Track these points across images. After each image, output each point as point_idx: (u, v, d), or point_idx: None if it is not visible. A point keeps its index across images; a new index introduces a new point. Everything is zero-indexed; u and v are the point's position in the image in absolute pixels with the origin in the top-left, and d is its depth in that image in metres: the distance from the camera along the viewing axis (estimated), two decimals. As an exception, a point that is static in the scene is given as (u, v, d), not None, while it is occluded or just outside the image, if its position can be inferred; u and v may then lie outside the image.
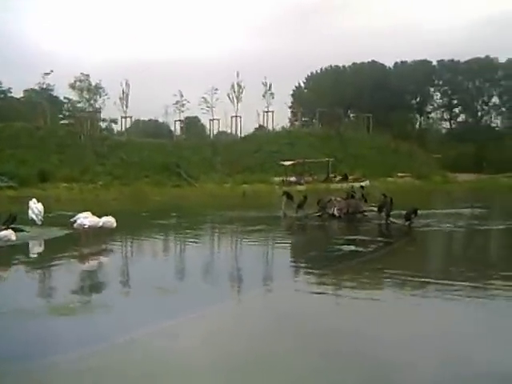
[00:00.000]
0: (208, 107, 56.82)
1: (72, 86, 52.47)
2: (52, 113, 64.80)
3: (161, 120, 72.09)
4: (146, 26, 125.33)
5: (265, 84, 56.89)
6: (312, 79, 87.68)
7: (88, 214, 15.84)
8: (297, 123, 69.71)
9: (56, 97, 72.37)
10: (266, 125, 57.90)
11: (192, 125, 69.03)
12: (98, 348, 6.63)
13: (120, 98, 51.48)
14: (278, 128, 59.27)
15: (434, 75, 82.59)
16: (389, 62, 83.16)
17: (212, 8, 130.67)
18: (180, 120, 60.69)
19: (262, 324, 7.82)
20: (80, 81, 51.96)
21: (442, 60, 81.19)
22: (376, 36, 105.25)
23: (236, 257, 14.93)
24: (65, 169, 42.52)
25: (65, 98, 68.92)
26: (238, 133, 56.57)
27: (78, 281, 10.85)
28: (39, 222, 17.97)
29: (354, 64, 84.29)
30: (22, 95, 75.41)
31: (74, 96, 55.08)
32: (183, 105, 56.99)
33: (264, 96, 56.29)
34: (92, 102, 52.01)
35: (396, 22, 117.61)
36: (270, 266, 13.22)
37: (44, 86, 62.20)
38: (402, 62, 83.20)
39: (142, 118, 73.43)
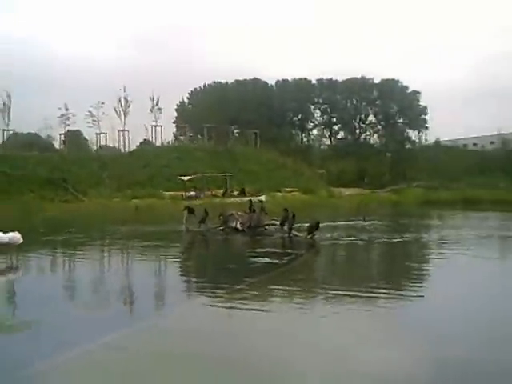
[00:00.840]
0: (94, 121, 55.74)
1: None
2: None
3: (40, 133, 69.41)
4: (25, 33, 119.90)
5: (152, 98, 56.71)
6: (196, 95, 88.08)
7: (-7, 229, 15.09)
8: (182, 138, 69.90)
9: None
10: (153, 139, 57.63)
11: (75, 138, 67.15)
12: None
13: (1, 111, 49.25)
14: (165, 143, 59.25)
15: (313, 94, 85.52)
16: (271, 80, 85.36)
17: (97, 16, 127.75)
18: (63, 133, 58.97)
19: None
20: None
21: (321, 79, 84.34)
22: (258, 53, 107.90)
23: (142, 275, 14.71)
24: None
25: None
26: (125, 147, 55.87)
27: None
28: None
29: (236, 81, 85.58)
30: None
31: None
32: (68, 118, 55.41)
33: (151, 110, 56.07)
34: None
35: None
36: (177, 281, 13.01)
37: None
38: (283, 80, 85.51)
39: (20, 131, 70.46)
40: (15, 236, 15.14)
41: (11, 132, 53.69)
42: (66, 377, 6.43)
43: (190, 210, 23.29)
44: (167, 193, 43.77)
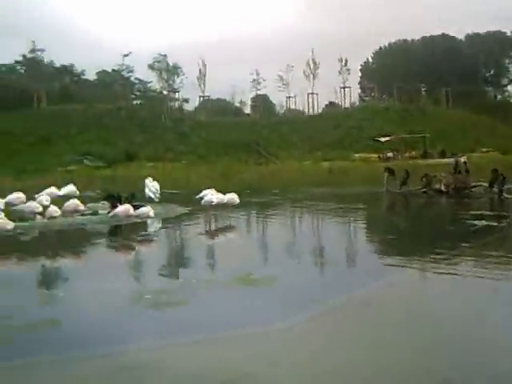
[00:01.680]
0: (284, 84, 57.02)
1: (151, 67, 53.35)
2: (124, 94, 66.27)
3: (231, 99, 72.50)
4: (220, 4, 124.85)
5: (340, 60, 56.57)
6: (380, 54, 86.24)
7: (213, 190, 16.21)
8: (367, 98, 69.16)
9: (127, 78, 73.75)
10: (340, 101, 57.61)
11: (263, 102, 69.21)
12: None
13: (197, 78, 52.24)
14: (352, 104, 59.01)
15: (508, 47, 79.86)
16: (460, 34, 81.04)
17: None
18: (253, 98, 61.22)
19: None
20: (158, 61, 52.73)
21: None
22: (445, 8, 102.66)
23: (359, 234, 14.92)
24: (149, 148, 43.44)
25: (136, 78, 70.01)
26: (311, 110, 56.42)
27: (234, 255, 11.12)
28: (156, 200, 18.46)
29: (423, 38, 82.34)
30: (95, 77, 77.22)
31: (153, 77, 55.96)
32: (259, 83, 57.28)
33: (340, 72, 55.99)
34: (170, 82, 52.68)
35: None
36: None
37: (124, 68, 63.35)
38: (474, 33, 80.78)
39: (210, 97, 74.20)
40: (232, 197, 16.15)
41: (206, 98, 56.49)
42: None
43: (391, 172, 23.07)
44: (357, 155, 43.67)
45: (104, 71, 76.26)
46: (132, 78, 70.39)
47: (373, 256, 10.98)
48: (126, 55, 62.11)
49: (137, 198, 17.98)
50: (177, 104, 67.04)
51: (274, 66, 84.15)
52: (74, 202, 14.05)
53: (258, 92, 59.47)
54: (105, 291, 8.22)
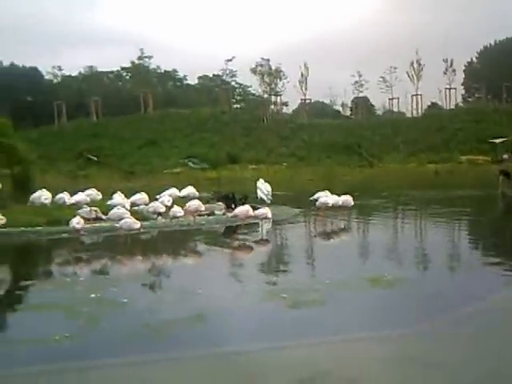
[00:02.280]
0: (387, 86, 56.33)
1: (253, 71, 54.01)
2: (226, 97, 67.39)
3: (330, 101, 72.16)
4: (320, 7, 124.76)
5: (445, 60, 55.21)
6: (486, 53, 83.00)
7: (327, 192, 16.20)
8: (470, 99, 66.98)
9: (228, 82, 75.09)
10: (444, 102, 56.03)
11: (363, 104, 68.45)
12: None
13: (299, 81, 52.37)
14: (455, 105, 57.22)
15: None
16: None
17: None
18: (353, 100, 60.81)
19: None
20: (261, 65, 53.34)
21: None
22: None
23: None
24: (251, 151, 44.00)
25: (236, 83, 71.09)
26: (416, 111, 55.13)
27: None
28: (268, 201, 18.60)
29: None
30: (196, 82, 79.20)
31: (255, 80, 56.70)
32: (361, 85, 56.82)
33: (445, 72, 54.62)
34: (272, 85, 53.13)
35: None
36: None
37: (227, 72, 64.71)
38: None
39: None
40: (347, 199, 16.08)
41: (306, 101, 56.44)
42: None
43: (506, 174, 22.25)
44: (464, 157, 42.25)
45: (205, 76, 78.17)
46: (232, 83, 71.78)
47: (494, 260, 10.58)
48: (229, 60, 63.36)
49: (249, 199, 18.37)
50: (276, 108, 67.87)
51: (375, 67, 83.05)
52: (196, 203, 14.42)
53: (361, 94, 58.78)
54: (238, 289, 8.42)
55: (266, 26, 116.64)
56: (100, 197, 15.27)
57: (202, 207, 14.64)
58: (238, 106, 68.40)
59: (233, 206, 17.47)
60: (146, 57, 62.21)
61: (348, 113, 68.81)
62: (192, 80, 77.66)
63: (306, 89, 52.97)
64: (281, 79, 53.30)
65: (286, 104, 65.29)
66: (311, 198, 16.36)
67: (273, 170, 39.28)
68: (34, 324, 6.97)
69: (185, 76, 77.57)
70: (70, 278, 9.58)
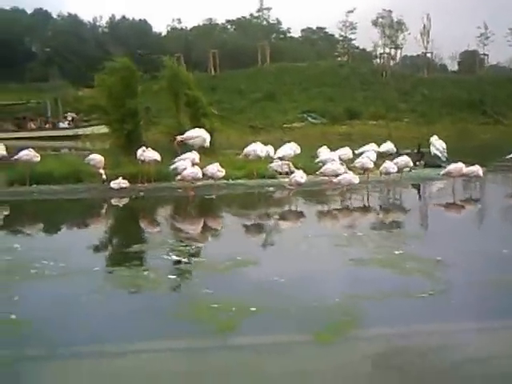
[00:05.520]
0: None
1: (374, 23, 52.82)
2: (327, 51, 66.47)
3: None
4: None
5: None
6: None
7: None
8: None
9: (331, 35, 73.89)
10: None
11: (471, 58, 65.87)
12: None
13: (421, 34, 50.70)
14: None
15: None
16: None
17: None
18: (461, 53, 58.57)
19: None
20: (382, 17, 52.05)
21: None
22: None
23: None
24: (370, 106, 43.22)
25: (340, 35, 69.76)
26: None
27: None
28: (443, 159, 18.23)
29: None
30: (299, 35, 78.43)
31: (376, 33, 55.22)
32: (487, 37, 54.54)
33: None
34: (393, 38, 51.75)
35: None
36: None
37: (347, 24, 63.68)
38: None
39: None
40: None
41: (427, 55, 54.41)
42: None
43: None
44: None
45: (309, 28, 77.27)
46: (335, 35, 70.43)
47: None
48: (351, 11, 62.21)
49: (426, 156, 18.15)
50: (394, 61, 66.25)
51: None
52: (405, 159, 14.27)
53: (486, 48, 56.27)
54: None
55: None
56: (299, 151, 15.19)
57: (410, 163, 14.51)
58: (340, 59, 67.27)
59: (417, 163, 17.32)
60: (265, 8, 61.97)
61: (455, 67, 66.30)
62: (295, 33, 77.10)
63: (427, 42, 51.16)
64: (402, 32, 51.83)
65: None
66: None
67: (393, 126, 38.49)
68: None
69: (288, 29, 77.00)
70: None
